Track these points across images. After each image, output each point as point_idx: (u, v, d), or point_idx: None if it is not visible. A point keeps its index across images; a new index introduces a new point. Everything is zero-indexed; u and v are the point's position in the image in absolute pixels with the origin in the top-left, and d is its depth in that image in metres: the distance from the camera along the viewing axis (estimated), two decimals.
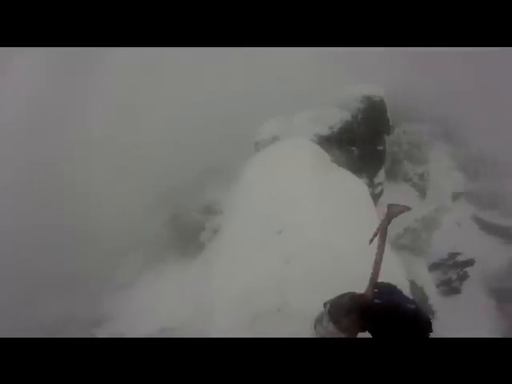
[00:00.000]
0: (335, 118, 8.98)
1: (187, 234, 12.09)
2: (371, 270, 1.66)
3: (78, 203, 12.00)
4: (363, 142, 10.34)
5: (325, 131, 8.82)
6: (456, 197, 15.90)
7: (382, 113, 9.94)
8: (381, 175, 12.45)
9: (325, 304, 1.92)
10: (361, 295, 1.52)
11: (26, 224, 11.24)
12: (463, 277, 11.15)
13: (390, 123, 11.42)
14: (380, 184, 12.37)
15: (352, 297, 1.51)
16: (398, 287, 1.66)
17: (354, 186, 6.96)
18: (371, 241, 1.73)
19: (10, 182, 11.44)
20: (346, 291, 1.87)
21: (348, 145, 9.92)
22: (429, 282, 10.20)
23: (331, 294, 4.47)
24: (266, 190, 6.61)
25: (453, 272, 11.14)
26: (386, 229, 1.58)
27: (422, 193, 14.93)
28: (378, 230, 1.65)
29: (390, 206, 1.62)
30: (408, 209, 1.69)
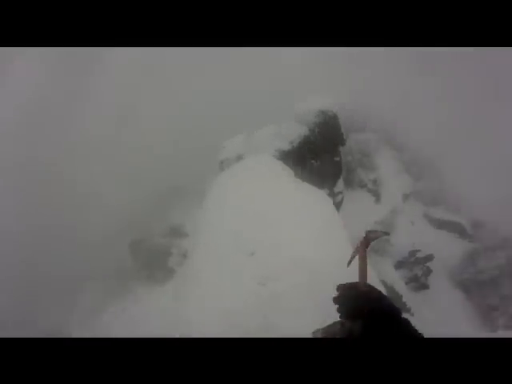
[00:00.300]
0: (294, 132, 9.26)
1: (154, 260, 11.49)
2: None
3: (77, 205, 11.83)
4: (322, 155, 10.78)
5: (286, 146, 9.03)
6: (406, 197, 17.20)
7: (336, 125, 10.50)
8: (340, 184, 13.03)
9: (314, 333, 1.80)
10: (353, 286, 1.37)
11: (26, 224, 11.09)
12: (427, 272, 11.77)
13: (344, 135, 12.10)
14: (340, 193, 12.92)
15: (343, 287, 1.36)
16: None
17: (319, 200, 7.14)
18: (349, 263, 1.69)
19: (9, 181, 11.36)
20: (326, 306, 1.77)
21: (308, 158, 10.28)
22: (398, 280, 10.62)
23: (312, 310, 4.38)
24: (235, 209, 6.47)
25: (417, 268, 11.67)
26: (365, 251, 1.55)
27: (377, 197, 15.92)
28: (355, 253, 1.61)
29: (368, 233, 1.62)
30: (386, 234, 1.71)
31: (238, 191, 7.00)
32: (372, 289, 1.29)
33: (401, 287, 10.35)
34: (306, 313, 3.81)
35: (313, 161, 10.35)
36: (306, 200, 6.77)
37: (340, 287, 1.31)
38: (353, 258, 1.68)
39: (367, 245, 1.57)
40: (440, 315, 10.27)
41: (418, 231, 13.86)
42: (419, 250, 12.24)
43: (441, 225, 15.47)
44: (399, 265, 11.74)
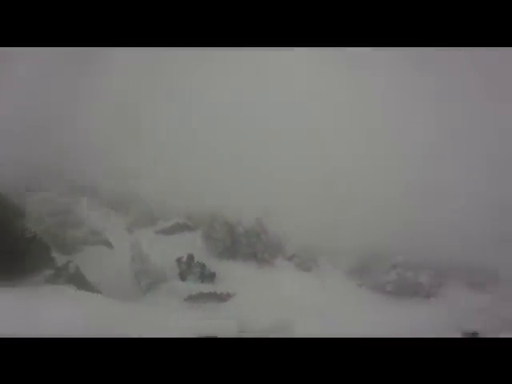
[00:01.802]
0: None
1: None
2: None
3: None
4: None
5: None
6: (130, 231, 15.64)
7: None
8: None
9: None
10: None
11: None
12: (203, 266, 12.73)
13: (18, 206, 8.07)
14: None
15: None
16: None
17: None
18: None
19: (9, 181, 10.23)
20: None
21: None
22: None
23: None
24: None
25: (195, 266, 12.63)
26: None
27: (109, 245, 13.77)
28: None
29: None
30: None
31: None
32: None
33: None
34: None
35: None
36: None
37: None
38: None
39: None
40: (261, 288, 11.66)
41: (170, 246, 13.55)
42: (190, 257, 12.65)
43: (169, 231, 15.76)
44: (202, 280, 12.30)
